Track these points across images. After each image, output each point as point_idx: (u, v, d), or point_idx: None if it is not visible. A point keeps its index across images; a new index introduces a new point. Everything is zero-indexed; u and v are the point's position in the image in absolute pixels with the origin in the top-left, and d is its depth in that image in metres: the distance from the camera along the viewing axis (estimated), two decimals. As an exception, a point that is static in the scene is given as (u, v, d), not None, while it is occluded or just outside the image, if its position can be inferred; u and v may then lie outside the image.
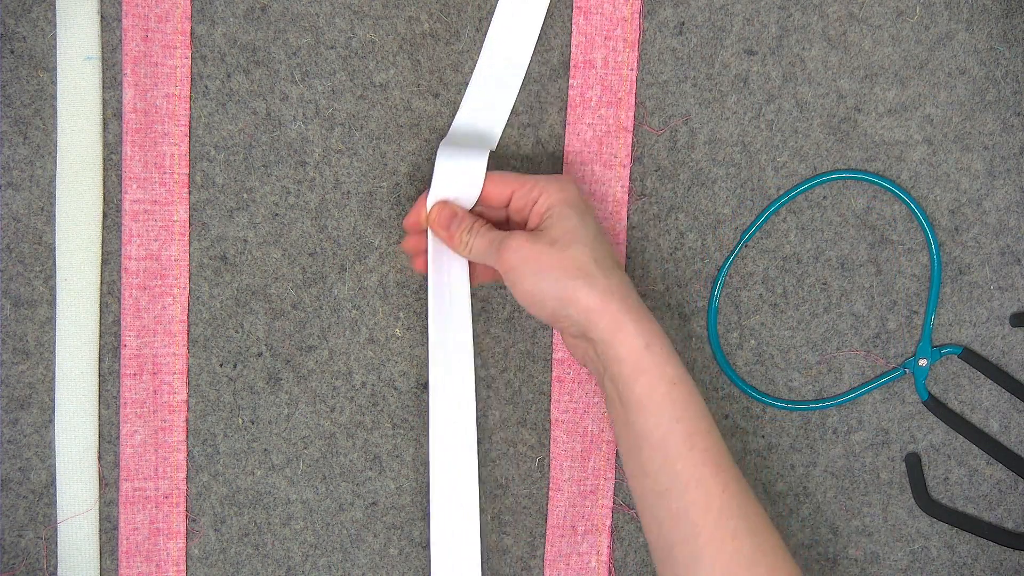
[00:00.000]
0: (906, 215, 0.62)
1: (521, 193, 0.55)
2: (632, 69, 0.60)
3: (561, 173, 0.61)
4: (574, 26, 0.60)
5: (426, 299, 0.61)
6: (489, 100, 0.60)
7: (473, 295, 0.61)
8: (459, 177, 0.56)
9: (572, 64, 0.60)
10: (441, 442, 0.58)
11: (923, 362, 0.62)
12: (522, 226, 0.56)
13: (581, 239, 0.53)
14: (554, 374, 0.62)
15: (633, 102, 0.60)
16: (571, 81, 0.60)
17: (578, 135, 0.60)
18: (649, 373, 0.51)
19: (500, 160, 0.61)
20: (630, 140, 0.61)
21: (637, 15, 0.60)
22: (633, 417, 0.52)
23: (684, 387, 0.51)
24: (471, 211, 0.57)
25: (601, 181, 0.61)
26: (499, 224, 0.58)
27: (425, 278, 0.60)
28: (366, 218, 0.61)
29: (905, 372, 0.62)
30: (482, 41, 0.60)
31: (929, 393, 0.62)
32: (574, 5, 0.60)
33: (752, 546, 0.50)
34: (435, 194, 0.56)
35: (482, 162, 0.56)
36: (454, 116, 0.61)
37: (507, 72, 0.60)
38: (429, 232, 0.57)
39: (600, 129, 0.60)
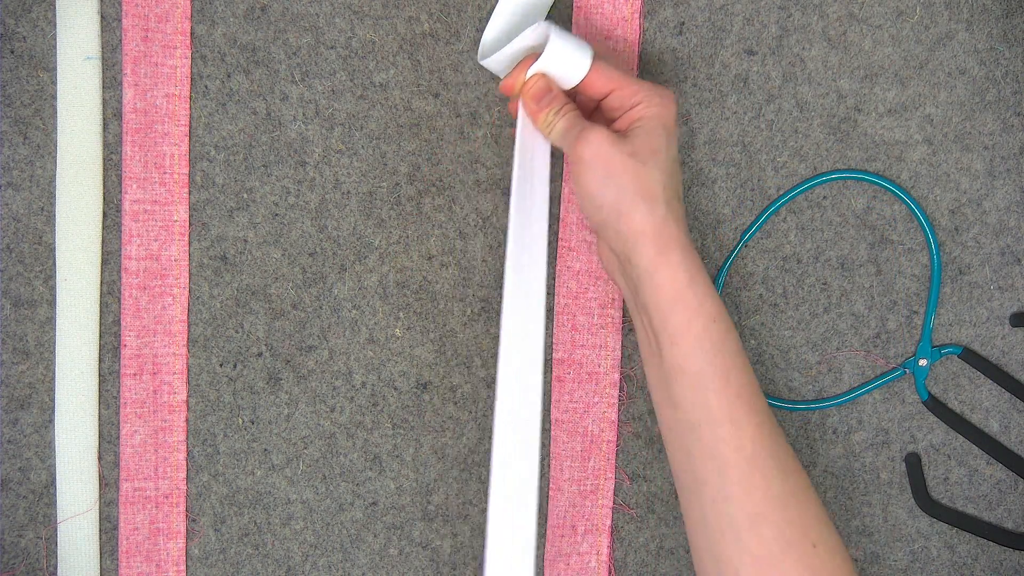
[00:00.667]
0: (906, 215, 0.62)
1: (622, 95, 0.54)
2: (632, 69, 0.60)
3: (561, 173, 0.61)
4: (574, 26, 0.60)
5: (426, 298, 0.61)
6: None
7: (473, 295, 0.61)
8: (568, 56, 0.54)
9: None
10: (508, 360, 0.54)
11: (923, 362, 0.62)
12: (609, 123, 0.55)
13: (660, 162, 0.52)
14: (554, 374, 0.62)
15: None
16: None
17: None
18: (688, 307, 0.50)
19: (501, 161, 0.61)
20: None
21: (637, 15, 0.60)
22: (667, 350, 0.51)
23: (723, 324, 0.51)
24: (566, 93, 0.55)
25: None
26: (588, 114, 0.56)
27: (425, 272, 0.60)
28: (366, 218, 0.61)
29: (905, 372, 0.62)
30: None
31: (929, 393, 0.62)
32: (574, 5, 0.60)
33: (783, 487, 0.49)
34: (540, 65, 0.54)
35: (590, 52, 0.54)
36: (455, 114, 0.60)
37: None
38: (520, 103, 0.56)
39: None
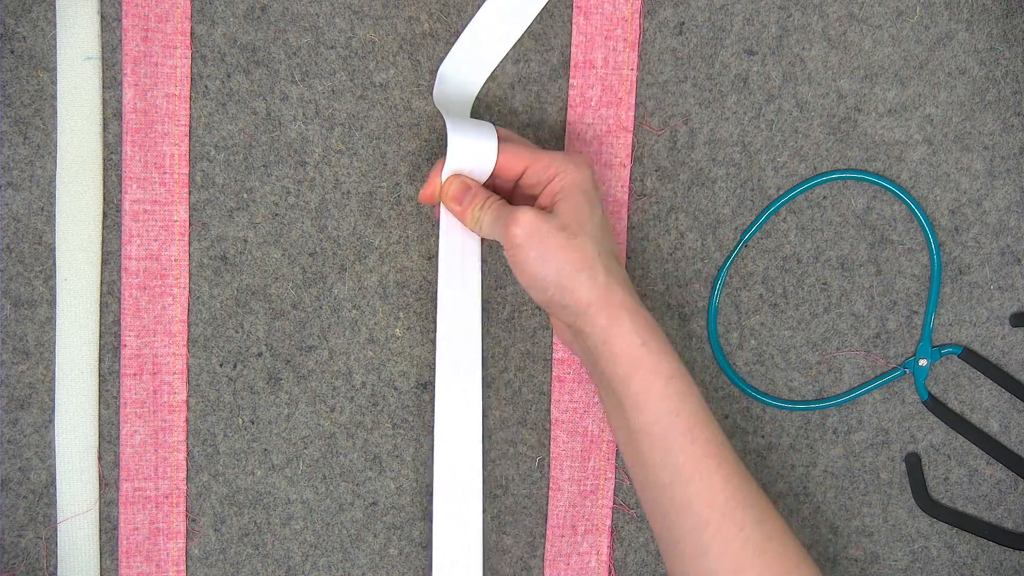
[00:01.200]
0: (906, 215, 0.62)
1: (536, 170, 0.54)
2: (632, 69, 0.60)
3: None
4: (574, 26, 0.60)
5: (426, 298, 0.61)
6: (490, 36, 0.60)
7: (473, 295, 0.61)
8: (472, 148, 0.55)
9: (572, 64, 0.60)
10: (446, 419, 0.58)
11: (923, 362, 0.62)
12: (531, 201, 0.56)
13: (590, 230, 0.52)
14: (554, 374, 0.62)
15: (633, 102, 0.60)
16: (571, 81, 0.60)
17: (578, 135, 0.60)
18: (645, 369, 0.51)
19: (500, 160, 0.61)
20: (630, 140, 0.61)
21: (637, 15, 0.60)
22: (630, 414, 0.52)
23: (681, 381, 0.51)
24: (484, 184, 0.56)
25: (601, 181, 0.61)
26: (508, 198, 0.57)
27: (425, 272, 0.60)
28: (366, 218, 0.61)
29: (905, 372, 0.62)
30: (482, 41, 0.60)
31: (929, 393, 0.62)
32: (574, 5, 0.60)
33: (760, 535, 0.50)
34: (450, 166, 0.55)
35: (494, 136, 0.55)
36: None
37: (514, 14, 0.59)
38: (442, 206, 0.57)
39: (600, 129, 0.60)
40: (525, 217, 0.52)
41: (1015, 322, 0.62)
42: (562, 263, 0.51)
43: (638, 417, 0.51)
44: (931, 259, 0.61)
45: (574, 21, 0.60)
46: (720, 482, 0.50)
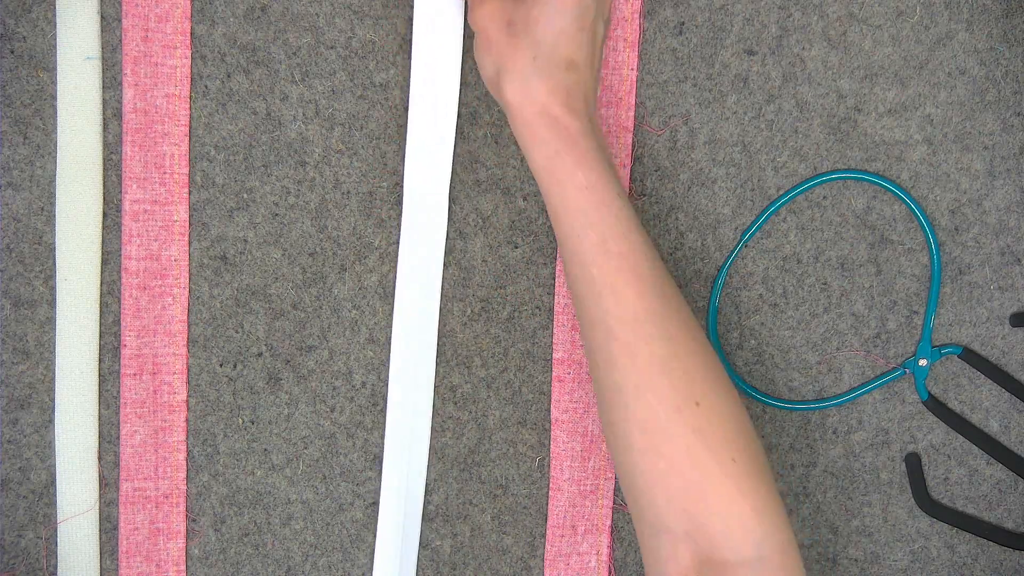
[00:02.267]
0: (906, 215, 0.62)
1: None
2: (632, 69, 0.60)
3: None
4: None
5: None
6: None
7: (473, 295, 0.61)
8: None
9: None
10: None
11: (923, 362, 0.62)
12: None
13: (535, 32, 0.51)
14: (554, 374, 0.62)
15: (633, 102, 0.60)
16: None
17: None
18: (560, 182, 0.51)
19: (501, 161, 0.61)
20: (630, 140, 0.61)
21: (637, 15, 0.60)
22: (555, 227, 0.52)
23: (596, 193, 0.51)
24: None
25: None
26: None
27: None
28: (366, 218, 0.61)
29: (905, 372, 0.62)
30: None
31: (929, 393, 0.62)
32: None
33: (666, 351, 0.49)
34: None
35: None
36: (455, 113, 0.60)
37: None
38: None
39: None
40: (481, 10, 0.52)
41: (1015, 322, 0.62)
42: (497, 61, 0.52)
43: (558, 230, 0.51)
44: (931, 259, 0.61)
45: None
46: (631, 297, 0.49)
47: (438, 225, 0.60)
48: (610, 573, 0.63)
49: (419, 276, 0.60)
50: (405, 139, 0.60)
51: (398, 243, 0.61)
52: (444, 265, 0.61)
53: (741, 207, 0.62)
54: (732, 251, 0.61)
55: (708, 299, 0.62)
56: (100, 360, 0.60)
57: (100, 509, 0.60)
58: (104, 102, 0.59)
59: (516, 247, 0.62)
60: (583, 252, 0.50)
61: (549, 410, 0.62)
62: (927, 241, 0.61)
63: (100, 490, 0.60)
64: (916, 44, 0.61)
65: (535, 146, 0.51)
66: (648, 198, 0.61)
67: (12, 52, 0.58)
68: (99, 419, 0.60)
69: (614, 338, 0.49)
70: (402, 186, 0.60)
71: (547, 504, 0.63)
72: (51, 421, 0.60)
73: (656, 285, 0.50)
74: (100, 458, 0.60)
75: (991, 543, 0.64)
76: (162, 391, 0.60)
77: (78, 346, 0.59)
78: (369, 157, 0.61)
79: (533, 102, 0.51)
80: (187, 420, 0.61)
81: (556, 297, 0.61)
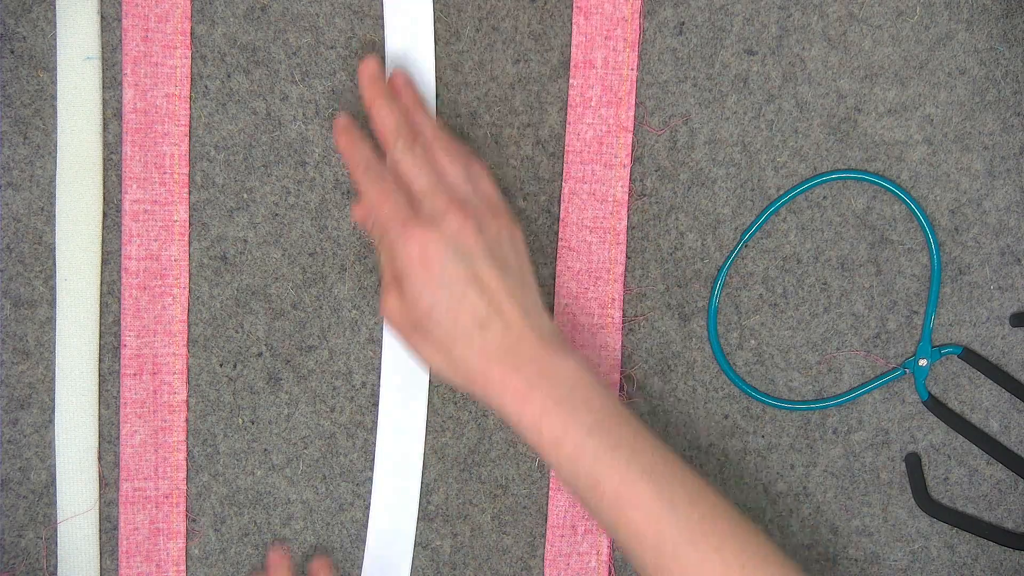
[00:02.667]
0: (906, 215, 0.62)
1: None
2: (632, 69, 0.60)
3: (561, 173, 0.61)
4: (574, 26, 0.60)
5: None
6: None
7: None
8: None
9: (572, 64, 0.60)
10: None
11: (923, 362, 0.62)
12: None
13: (436, 316, 0.51)
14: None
15: (633, 102, 0.60)
16: (571, 81, 0.60)
17: (578, 135, 0.60)
18: (542, 444, 0.50)
19: (501, 161, 0.61)
20: (630, 140, 0.61)
21: (637, 15, 0.60)
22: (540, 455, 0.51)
23: (568, 437, 0.49)
24: None
25: (602, 181, 0.61)
26: None
27: None
28: (366, 218, 0.61)
29: (905, 372, 0.62)
30: (482, 41, 0.60)
31: (929, 393, 0.62)
32: (574, 5, 0.60)
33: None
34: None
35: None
36: (455, 114, 0.61)
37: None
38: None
39: (600, 129, 0.60)
40: (387, 307, 0.52)
41: (1015, 322, 0.62)
42: (429, 362, 0.52)
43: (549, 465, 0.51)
44: (931, 259, 0.61)
45: (574, 21, 0.60)
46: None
47: None
48: (610, 573, 0.63)
49: None
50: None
51: (398, 243, 0.61)
52: (444, 265, 0.61)
53: (741, 207, 0.62)
54: (732, 251, 0.61)
55: (708, 299, 0.62)
56: (100, 360, 0.60)
57: (100, 509, 0.60)
58: (104, 102, 0.59)
59: (516, 247, 0.61)
60: (594, 509, 0.50)
61: (549, 410, 0.62)
62: (927, 241, 0.61)
63: (100, 490, 0.60)
64: (916, 44, 0.61)
65: (507, 417, 0.51)
66: (648, 198, 0.61)
67: (12, 52, 0.58)
68: (99, 419, 0.60)
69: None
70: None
71: (547, 504, 0.63)
72: (51, 421, 0.60)
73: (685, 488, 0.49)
74: (100, 458, 0.60)
75: (991, 543, 0.64)
76: (162, 391, 0.60)
77: (78, 346, 0.59)
78: (369, 157, 0.61)
79: (476, 385, 0.51)
80: (187, 420, 0.61)
81: (556, 298, 0.61)
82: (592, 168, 0.60)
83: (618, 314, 0.61)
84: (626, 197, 0.61)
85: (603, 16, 0.60)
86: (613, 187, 0.61)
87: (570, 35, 0.60)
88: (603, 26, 0.60)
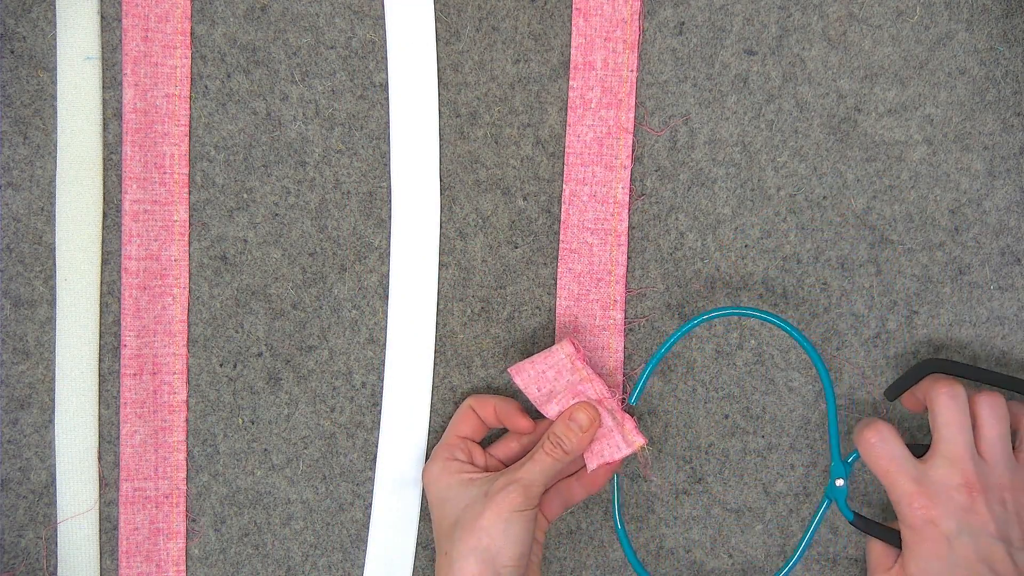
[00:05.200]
0: (906, 215, 0.62)
1: None
2: (632, 70, 0.60)
3: (561, 173, 0.61)
4: (574, 27, 0.60)
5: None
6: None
7: (473, 295, 0.61)
8: None
9: (572, 66, 0.60)
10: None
11: (840, 482, 0.59)
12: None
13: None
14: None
15: (633, 103, 0.60)
16: (571, 83, 0.60)
17: (578, 136, 0.60)
18: None
19: (501, 161, 0.61)
20: (631, 141, 0.61)
21: (637, 16, 0.60)
22: None
23: None
24: None
25: (602, 182, 0.61)
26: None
27: None
28: (366, 218, 0.61)
29: (831, 502, 0.59)
30: (482, 41, 0.60)
31: (854, 513, 0.59)
32: (573, 7, 0.60)
33: None
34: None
35: None
36: (455, 114, 0.60)
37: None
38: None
39: (600, 130, 0.60)
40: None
41: (890, 395, 0.60)
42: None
43: None
44: (824, 387, 0.61)
45: (573, 23, 0.60)
46: None
47: (431, 224, 0.60)
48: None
49: (413, 276, 0.60)
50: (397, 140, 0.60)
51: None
52: (444, 265, 0.61)
53: (741, 207, 0.62)
54: (664, 344, 0.61)
55: (706, 303, 0.62)
56: (100, 360, 0.60)
57: (100, 509, 0.60)
58: (104, 102, 0.59)
59: (516, 247, 0.62)
60: None
61: (549, 410, 0.62)
62: (818, 373, 0.61)
63: (100, 490, 0.60)
64: (916, 44, 0.61)
65: None
66: (648, 198, 0.61)
67: (12, 52, 0.58)
68: (99, 419, 0.60)
69: None
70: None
71: (547, 504, 0.63)
72: (51, 421, 0.60)
73: None
74: (100, 458, 0.60)
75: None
76: (162, 391, 0.60)
77: (78, 346, 0.59)
78: (369, 157, 0.61)
79: None
80: (187, 420, 0.61)
81: (558, 300, 0.61)
82: (593, 169, 0.60)
83: (620, 315, 0.61)
84: (627, 198, 0.61)
85: (603, 18, 0.60)
86: (614, 188, 0.61)
87: (570, 36, 0.60)
88: (603, 28, 0.60)
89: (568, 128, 0.60)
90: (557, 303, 0.61)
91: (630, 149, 0.60)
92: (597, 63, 0.60)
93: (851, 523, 0.59)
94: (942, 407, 0.54)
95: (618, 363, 0.61)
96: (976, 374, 0.57)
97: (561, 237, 0.61)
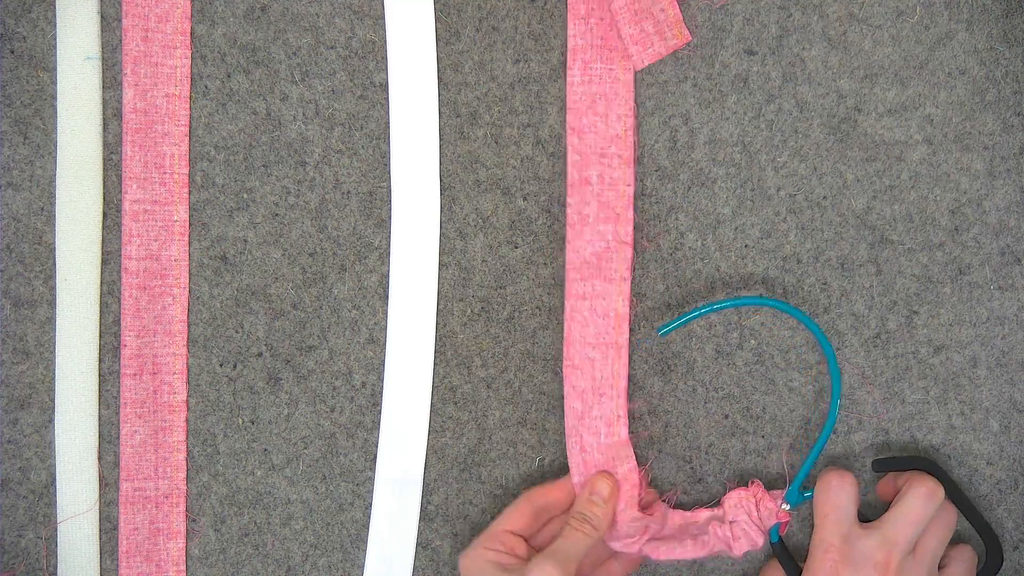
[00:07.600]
0: (906, 215, 0.62)
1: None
2: (629, 184, 0.59)
3: (562, 173, 0.61)
4: (568, 146, 0.59)
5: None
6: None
7: (473, 295, 0.61)
8: None
9: (568, 183, 0.59)
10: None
11: (786, 506, 0.60)
12: None
13: None
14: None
15: (631, 216, 0.59)
16: (568, 199, 0.59)
17: (577, 251, 0.58)
18: None
19: (501, 161, 0.61)
20: (630, 254, 0.59)
21: (631, 132, 0.59)
22: None
23: None
24: None
25: (602, 295, 0.59)
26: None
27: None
28: (366, 218, 0.61)
29: (780, 539, 0.60)
30: (482, 41, 0.60)
31: (780, 537, 0.60)
32: (567, 126, 0.59)
33: None
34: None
35: None
36: (455, 114, 0.60)
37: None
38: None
39: (599, 245, 0.58)
40: None
41: (877, 468, 0.61)
42: None
43: None
44: (828, 419, 0.60)
45: (568, 141, 0.59)
46: None
47: (431, 224, 0.60)
48: (610, 573, 0.63)
49: (413, 276, 0.60)
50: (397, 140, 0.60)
51: (398, 243, 0.61)
52: (444, 265, 0.61)
53: (741, 207, 0.62)
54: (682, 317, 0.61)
55: (705, 303, 0.62)
56: (100, 360, 0.60)
57: (100, 509, 0.60)
58: (104, 102, 0.59)
59: (516, 247, 0.62)
60: None
61: (549, 410, 0.62)
62: (830, 371, 0.60)
63: (100, 490, 0.60)
64: (916, 44, 0.61)
65: None
66: (648, 198, 0.61)
67: (12, 52, 0.58)
68: (99, 419, 0.60)
69: None
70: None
71: (547, 504, 0.63)
72: (51, 421, 0.60)
73: None
74: (100, 458, 0.60)
75: (991, 542, 0.64)
76: (162, 391, 0.60)
77: (78, 346, 0.59)
78: (369, 157, 0.61)
79: None
80: (187, 420, 0.61)
81: (556, 299, 0.61)
82: (592, 284, 0.59)
83: (624, 430, 0.60)
84: (627, 310, 0.59)
85: (596, 135, 0.59)
86: (614, 302, 0.58)
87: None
88: (597, 144, 0.59)
89: (567, 244, 0.59)
90: (557, 303, 0.61)
91: (629, 262, 0.60)
92: (593, 179, 0.59)
93: (772, 543, 0.60)
94: (915, 499, 0.56)
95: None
96: (956, 496, 0.59)
97: (564, 353, 0.60)
